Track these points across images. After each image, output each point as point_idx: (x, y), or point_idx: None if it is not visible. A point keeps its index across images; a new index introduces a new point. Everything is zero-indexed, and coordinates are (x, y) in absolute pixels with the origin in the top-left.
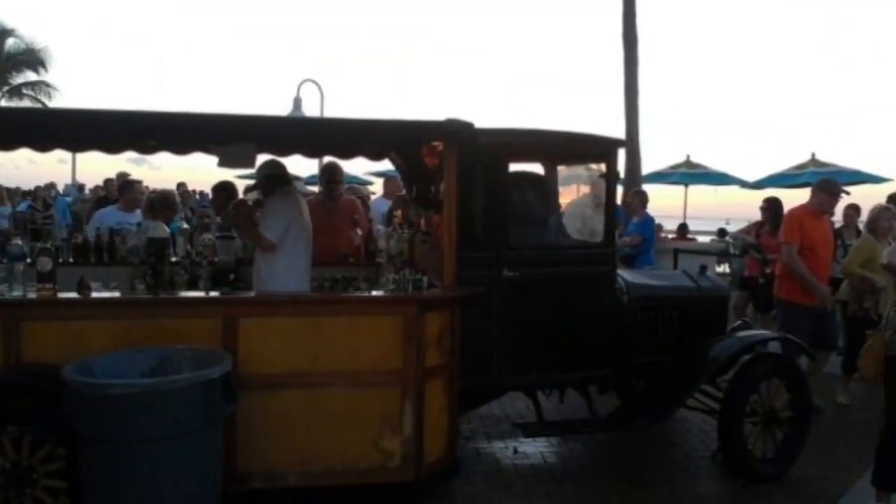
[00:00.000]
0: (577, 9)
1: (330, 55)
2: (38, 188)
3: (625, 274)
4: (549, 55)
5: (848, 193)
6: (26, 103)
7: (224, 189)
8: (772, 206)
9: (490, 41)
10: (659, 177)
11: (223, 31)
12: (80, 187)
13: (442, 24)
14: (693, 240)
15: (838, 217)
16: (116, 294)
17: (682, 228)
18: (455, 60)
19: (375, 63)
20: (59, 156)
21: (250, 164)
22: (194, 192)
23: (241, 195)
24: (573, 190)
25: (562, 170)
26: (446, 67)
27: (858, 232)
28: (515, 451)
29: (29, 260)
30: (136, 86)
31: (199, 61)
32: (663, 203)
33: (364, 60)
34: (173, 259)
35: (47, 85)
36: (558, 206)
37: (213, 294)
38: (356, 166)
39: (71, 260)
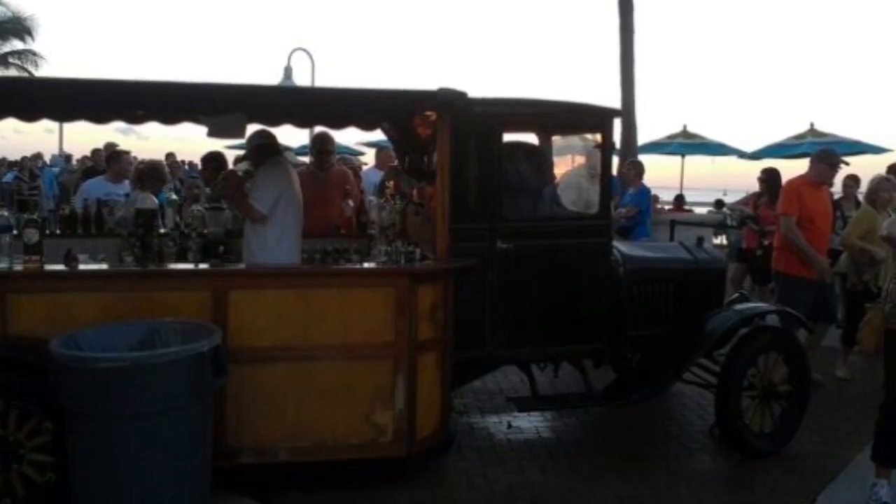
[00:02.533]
0: None
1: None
2: (24, 158)
3: (620, 246)
4: (545, 26)
5: (847, 164)
6: (12, 72)
7: (213, 159)
8: (770, 176)
9: (487, 26)
10: (655, 147)
11: (223, 30)
12: (68, 158)
13: (442, 24)
14: (690, 211)
15: (837, 188)
16: (104, 266)
17: (679, 199)
18: (455, 60)
19: (375, 61)
20: (46, 125)
21: (240, 134)
22: (183, 162)
23: (230, 166)
24: (568, 160)
25: (557, 140)
26: (446, 67)
27: (858, 203)
28: (509, 426)
29: (15, 231)
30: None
31: (199, 61)
32: (660, 174)
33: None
34: (162, 231)
35: (34, 54)
36: (553, 176)
37: (203, 266)
38: (348, 136)
39: (58, 231)
